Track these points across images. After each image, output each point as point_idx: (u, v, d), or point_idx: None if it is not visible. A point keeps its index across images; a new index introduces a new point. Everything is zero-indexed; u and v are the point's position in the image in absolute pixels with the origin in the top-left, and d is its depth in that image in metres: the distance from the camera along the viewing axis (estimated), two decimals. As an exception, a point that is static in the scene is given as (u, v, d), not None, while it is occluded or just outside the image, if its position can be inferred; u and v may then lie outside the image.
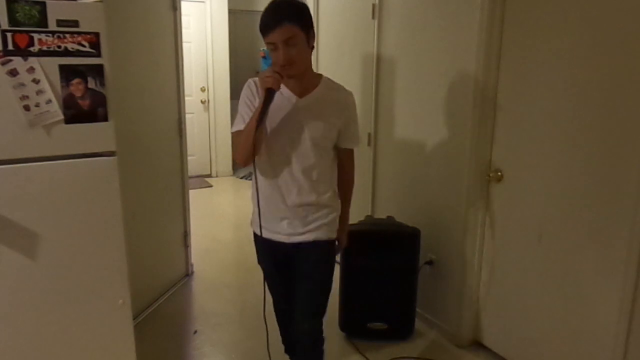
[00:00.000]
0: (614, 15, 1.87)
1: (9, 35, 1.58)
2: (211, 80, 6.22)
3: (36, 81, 1.64)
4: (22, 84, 1.63)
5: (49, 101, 1.67)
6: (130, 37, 2.69)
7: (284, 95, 1.74)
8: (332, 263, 1.89)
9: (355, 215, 2.19)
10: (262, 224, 1.84)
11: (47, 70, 1.65)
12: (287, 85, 1.73)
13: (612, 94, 1.90)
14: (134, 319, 2.12)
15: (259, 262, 1.97)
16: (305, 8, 1.67)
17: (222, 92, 6.30)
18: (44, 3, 1.62)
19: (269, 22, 1.59)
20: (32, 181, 1.70)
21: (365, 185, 3.18)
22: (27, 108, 1.65)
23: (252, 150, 1.65)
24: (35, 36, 1.62)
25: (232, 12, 6.14)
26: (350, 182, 1.98)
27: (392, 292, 2.64)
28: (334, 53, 3.46)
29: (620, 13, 1.85)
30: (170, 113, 3.24)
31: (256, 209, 1.84)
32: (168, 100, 3.20)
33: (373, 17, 2.98)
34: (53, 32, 1.64)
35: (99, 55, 1.73)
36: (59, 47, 1.66)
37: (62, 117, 1.70)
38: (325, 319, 1.86)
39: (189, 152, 3.50)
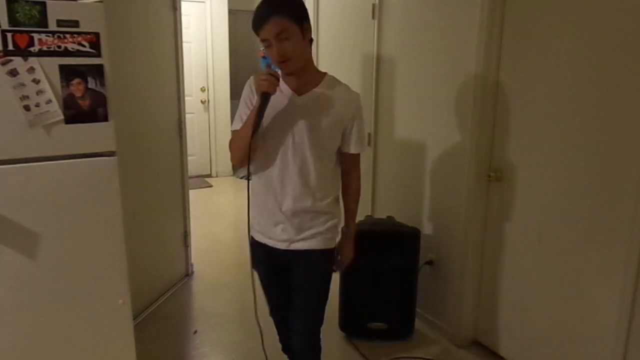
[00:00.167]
0: (614, 15, 1.87)
1: (9, 35, 1.58)
2: (211, 80, 6.22)
3: (36, 81, 1.64)
4: (22, 84, 1.63)
5: (49, 101, 1.67)
6: (130, 37, 2.69)
7: (283, 92, 1.65)
8: (327, 274, 1.79)
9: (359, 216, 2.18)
10: (257, 229, 1.78)
11: (47, 70, 1.65)
12: (286, 82, 1.66)
13: (612, 94, 1.90)
14: (134, 319, 2.12)
15: (253, 267, 1.85)
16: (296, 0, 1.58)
17: (222, 92, 6.30)
18: (44, 3, 1.62)
19: (258, 18, 1.52)
20: (32, 181, 1.70)
21: (365, 185, 3.17)
22: (27, 108, 1.65)
23: (247, 155, 1.59)
24: (36, 36, 1.62)
25: (232, 12, 6.14)
26: (355, 191, 1.84)
27: (392, 292, 2.64)
28: (334, 53, 3.46)
29: (621, 13, 1.85)
30: (170, 113, 3.24)
31: (252, 213, 1.77)
32: (168, 100, 3.20)
33: (373, 17, 2.98)
34: (53, 32, 1.64)
35: (99, 55, 1.73)
36: (59, 47, 1.66)
37: (62, 117, 1.70)
38: (325, 319, 1.85)
39: (189, 152, 3.50)
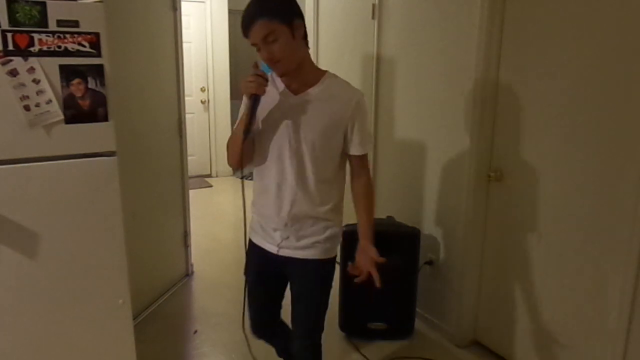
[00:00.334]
0: (615, 15, 1.87)
1: (9, 35, 1.58)
2: (211, 80, 6.22)
3: (36, 81, 1.64)
4: (23, 84, 1.63)
5: (49, 101, 1.67)
6: (130, 37, 2.69)
7: (279, 92, 1.60)
8: (326, 284, 1.72)
9: (355, 216, 2.18)
10: (256, 230, 1.75)
11: (47, 70, 1.65)
12: (283, 81, 1.60)
13: (612, 94, 1.90)
14: (134, 319, 2.12)
15: (245, 272, 1.83)
16: None
17: (222, 92, 6.30)
18: (44, 3, 1.62)
19: (243, 23, 1.47)
20: (32, 181, 1.70)
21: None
22: (27, 108, 1.65)
23: (240, 159, 1.57)
24: (36, 36, 1.62)
25: (232, 12, 6.14)
26: (364, 196, 1.70)
27: (392, 292, 2.64)
28: (334, 53, 3.46)
29: (621, 13, 1.85)
30: (170, 113, 3.24)
31: (253, 214, 1.75)
32: (168, 100, 3.20)
33: (373, 17, 2.98)
34: (53, 32, 1.64)
35: (99, 55, 1.73)
36: (59, 47, 1.66)
37: (62, 117, 1.70)
38: (325, 320, 1.84)
39: (189, 152, 3.50)
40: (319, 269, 1.69)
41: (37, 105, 1.66)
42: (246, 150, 1.60)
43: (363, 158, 1.68)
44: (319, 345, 1.77)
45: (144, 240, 2.90)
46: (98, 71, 1.73)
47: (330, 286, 1.75)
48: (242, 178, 1.63)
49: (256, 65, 1.55)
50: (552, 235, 2.18)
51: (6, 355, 1.77)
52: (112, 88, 1.77)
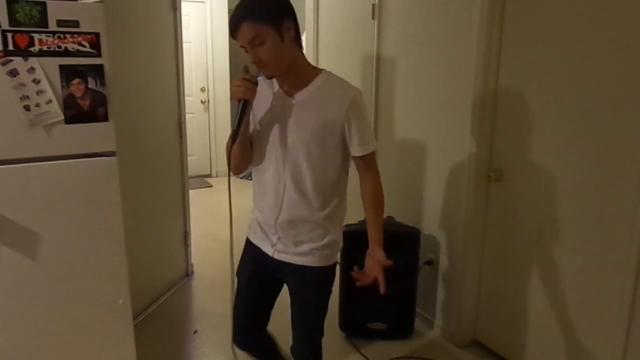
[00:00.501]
0: (614, 14, 1.87)
1: (9, 35, 1.58)
2: (211, 80, 6.22)
3: (36, 81, 1.64)
4: (23, 84, 1.63)
5: (49, 101, 1.67)
6: (130, 37, 2.69)
7: (275, 94, 1.56)
8: (325, 291, 1.68)
9: (356, 216, 2.18)
10: (254, 230, 1.72)
11: (47, 70, 1.65)
12: (278, 82, 1.56)
13: (612, 94, 1.90)
14: (134, 319, 2.12)
15: (238, 272, 1.76)
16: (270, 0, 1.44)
17: (222, 92, 6.29)
18: (44, 3, 1.62)
19: (230, 25, 1.43)
20: (32, 181, 1.71)
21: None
22: (27, 108, 1.65)
23: (237, 163, 1.56)
24: (36, 36, 1.62)
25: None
26: (372, 198, 1.61)
27: (392, 292, 2.63)
28: (334, 53, 3.46)
29: (621, 12, 1.85)
30: (170, 113, 3.24)
31: (253, 213, 1.72)
32: (168, 100, 3.20)
33: (373, 17, 2.98)
34: (53, 32, 1.65)
35: (99, 55, 1.73)
36: (59, 47, 1.66)
37: (62, 117, 1.70)
38: (325, 320, 1.84)
39: (189, 152, 3.50)
40: (318, 277, 1.64)
41: (37, 105, 1.66)
42: (245, 154, 1.58)
43: (366, 159, 1.59)
44: (320, 348, 1.74)
45: (144, 240, 2.90)
46: (98, 71, 1.73)
47: (330, 292, 1.70)
48: (229, 181, 1.56)
49: (246, 69, 1.51)
50: (552, 235, 2.18)
51: (6, 355, 1.77)
52: (112, 88, 1.77)
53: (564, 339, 2.18)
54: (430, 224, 2.74)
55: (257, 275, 1.72)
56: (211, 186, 6.07)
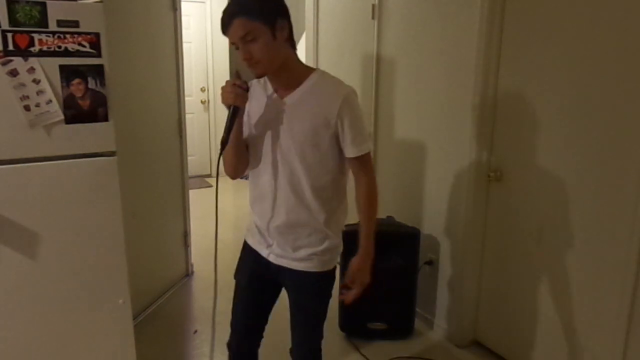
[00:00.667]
0: (614, 14, 1.87)
1: (9, 35, 1.58)
2: (211, 80, 6.22)
3: (36, 81, 1.64)
4: (23, 84, 1.63)
5: (49, 101, 1.67)
6: (130, 37, 2.69)
7: (267, 95, 1.53)
8: (325, 295, 1.64)
9: (356, 215, 2.18)
10: (252, 234, 1.68)
11: (47, 70, 1.65)
12: (271, 83, 1.53)
13: (612, 94, 1.90)
14: (134, 319, 2.12)
15: (235, 275, 1.74)
16: None
17: (222, 92, 6.29)
18: (45, 3, 1.62)
19: (222, 21, 1.39)
20: (32, 181, 1.71)
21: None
22: (27, 108, 1.65)
23: (234, 167, 1.55)
24: (36, 36, 1.62)
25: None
26: (365, 202, 1.56)
27: (392, 292, 2.64)
28: (334, 53, 3.46)
29: (620, 12, 1.85)
30: (170, 113, 3.24)
31: (252, 216, 1.67)
32: (168, 100, 3.20)
33: (373, 17, 2.98)
34: (53, 33, 1.65)
35: (99, 55, 1.73)
36: (59, 47, 1.66)
37: (62, 117, 1.70)
38: (325, 320, 1.84)
39: (189, 152, 3.50)
40: (317, 282, 1.61)
41: (37, 105, 1.66)
42: (241, 158, 1.57)
43: (361, 160, 1.53)
44: (319, 351, 1.73)
45: (144, 240, 2.90)
46: (98, 71, 1.73)
47: (329, 296, 1.67)
48: (216, 185, 1.53)
49: (237, 75, 1.49)
50: (552, 235, 2.18)
51: (6, 355, 1.77)
52: (112, 88, 1.77)
53: (564, 338, 2.18)
54: (430, 224, 2.74)
55: (256, 278, 1.69)
56: (211, 186, 6.07)
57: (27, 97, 1.64)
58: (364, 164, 1.55)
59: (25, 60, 1.62)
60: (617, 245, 1.92)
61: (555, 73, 2.09)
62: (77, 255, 1.81)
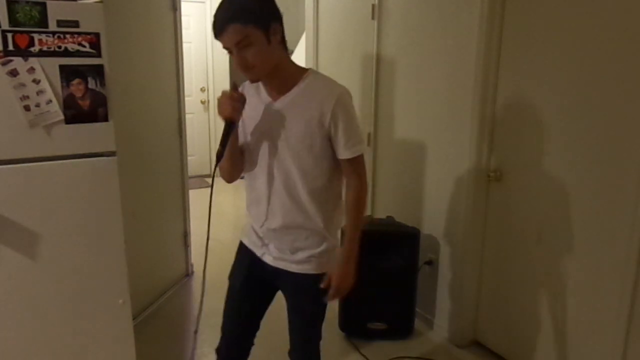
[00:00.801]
0: (614, 15, 1.87)
1: (9, 35, 1.59)
2: (211, 80, 6.22)
3: (36, 81, 1.65)
4: (23, 84, 1.63)
5: (49, 101, 1.67)
6: (130, 37, 2.69)
7: (261, 98, 1.51)
8: (322, 298, 1.60)
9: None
10: (249, 235, 1.66)
11: (47, 70, 1.65)
12: (264, 86, 1.51)
13: (612, 94, 1.90)
14: (134, 319, 2.12)
15: (230, 276, 1.73)
16: (257, 0, 1.38)
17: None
18: (44, 3, 1.62)
19: (215, 25, 1.36)
20: (32, 181, 1.71)
21: (365, 185, 3.18)
22: (27, 108, 1.65)
23: (231, 173, 1.55)
24: (36, 36, 1.62)
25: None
26: (351, 202, 1.54)
27: (391, 292, 2.64)
28: (334, 53, 3.46)
29: (620, 12, 1.85)
30: (170, 113, 3.24)
31: (248, 218, 1.66)
32: (168, 100, 3.20)
33: (373, 18, 2.98)
34: (53, 33, 1.65)
35: (99, 55, 1.73)
36: (59, 47, 1.66)
37: (62, 117, 1.70)
38: (325, 320, 1.84)
39: (189, 152, 3.50)
40: (315, 284, 1.58)
41: (37, 105, 1.66)
42: (236, 164, 1.57)
43: (353, 162, 1.51)
44: (318, 352, 1.72)
45: (144, 240, 2.90)
46: (98, 71, 1.73)
47: (326, 299, 1.63)
48: (211, 189, 1.55)
49: (235, 87, 1.49)
50: (552, 235, 2.18)
51: (6, 355, 1.77)
52: (112, 88, 1.77)
53: (564, 338, 2.18)
54: (430, 224, 2.74)
55: (252, 279, 1.67)
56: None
57: (27, 97, 1.64)
58: (357, 167, 1.53)
59: (25, 60, 1.62)
60: (617, 246, 1.92)
61: (555, 73, 2.09)
62: (77, 255, 1.81)
